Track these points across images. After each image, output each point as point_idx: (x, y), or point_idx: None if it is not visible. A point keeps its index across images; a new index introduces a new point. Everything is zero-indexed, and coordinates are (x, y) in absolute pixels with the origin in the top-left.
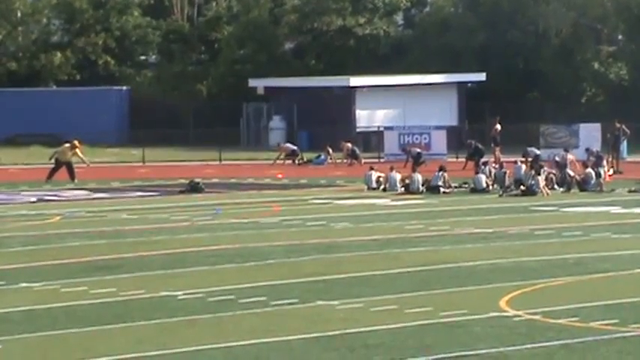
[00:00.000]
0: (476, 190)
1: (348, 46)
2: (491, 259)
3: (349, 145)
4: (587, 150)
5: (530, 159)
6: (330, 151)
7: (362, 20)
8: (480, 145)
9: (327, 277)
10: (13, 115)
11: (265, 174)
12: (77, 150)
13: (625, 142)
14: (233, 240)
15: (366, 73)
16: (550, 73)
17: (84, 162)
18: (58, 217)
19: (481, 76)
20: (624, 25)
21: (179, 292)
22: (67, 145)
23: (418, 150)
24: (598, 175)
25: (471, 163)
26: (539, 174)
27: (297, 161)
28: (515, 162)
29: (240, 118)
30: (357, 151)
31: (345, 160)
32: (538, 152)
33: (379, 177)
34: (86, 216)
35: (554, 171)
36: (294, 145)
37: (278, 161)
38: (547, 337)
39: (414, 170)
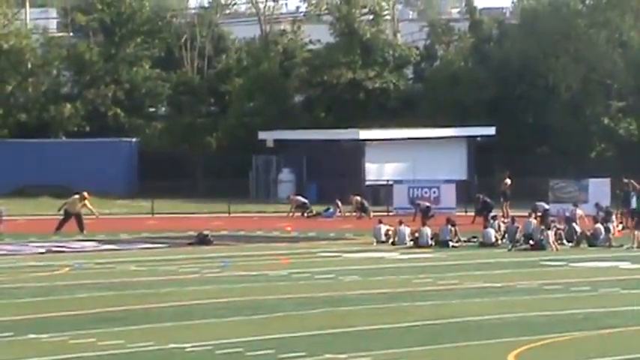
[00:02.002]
0: (485, 244)
1: (357, 99)
2: (500, 313)
3: (358, 198)
4: (596, 205)
5: (539, 214)
6: (339, 204)
7: (372, 74)
8: (488, 199)
9: (336, 331)
10: (22, 165)
11: (274, 226)
12: (86, 201)
13: (635, 198)
14: (241, 292)
15: (375, 127)
16: (559, 127)
17: (93, 213)
18: (66, 269)
19: (490, 130)
20: (634, 81)
21: (187, 345)
22: (77, 196)
23: (427, 204)
24: (607, 230)
25: (479, 218)
26: (549, 229)
27: (306, 214)
28: (529, 215)
29: (249, 170)
30: (366, 204)
31: (354, 213)
32: (547, 207)
33: (388, 230)
34: (95, 267)
35: (562, 226)
36: (304, 197)
37: (289, 214)
38: None
39: (423, 224)
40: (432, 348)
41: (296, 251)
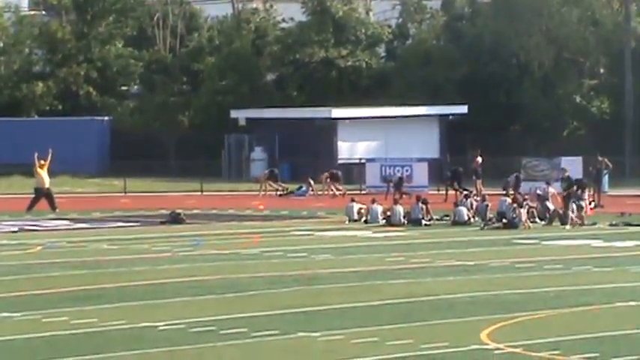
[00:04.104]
0: (457, 222)
1: (330, 78)
2: (473, 291)
3: (327, 173)
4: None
5: (511, 187)
6: (312, 182)
7: (344, 52)
8: (459, 169)
9: (308, 309)
10: None
11: (247, 205)
12: (40, 168)
13: (607, 176)
14: (214, 271)
15: (347, 105)
16: (532, 106)
17: (41, 181)
18: (39, 247)
19: (463, 109)
20: (606, 59)
21: (160, 323)
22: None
23: (399, 175)
24: (579, 208)
25: (452, 196)
26: (521, 207)
27: (278, 192)
28: (506, 194)
29: (221, 149)
30: (338, 173)
31: (326, 192)
32: (517, 174)
33: (361, 209)
34: (67, 246)
35: (534, 204)
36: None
37: (270, 192)
38: None
39: (395, 202)
40: (404, 326)
41: (268, 230)
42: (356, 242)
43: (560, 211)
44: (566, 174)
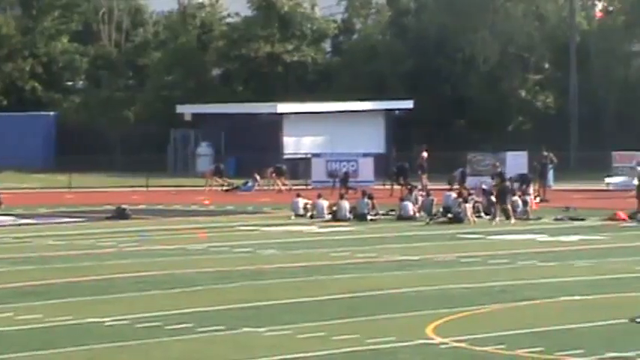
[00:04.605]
0: (402, 217)
1: (275, 73)
2: (418, 286)
3: (272, 168)
4: (510, 179)
5: (457, 182)
6: (258, 177)
7: (290, 47)
8: (405, 164)
9: (255, 304)
10: None
11: (192, 200)
12: None
13: (552, 171)
14: (160, 266)
15: (293, 100)
16: (477, 100)
17: None
18: None
19: (408, 104)
20: (550, 54)
21: (106, 319)
22: None
23: (345, 170)
24: (525, 203)
25: (397, 190)
26: (466, 201)
27: (223, 187)
28: (451, 189)
29: (167, 144)
30: (283, 168)
31: (272, 187)
32: (462, 169)
33: (306, 204)
34: (13, 242)
35: (480, 199)
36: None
37: (216, 187)
38: None
39: (341, 197)
40: (350, 321)
41: (214, 225)
42: (302, 237)
43: (505, 206)
44: (498, 169)
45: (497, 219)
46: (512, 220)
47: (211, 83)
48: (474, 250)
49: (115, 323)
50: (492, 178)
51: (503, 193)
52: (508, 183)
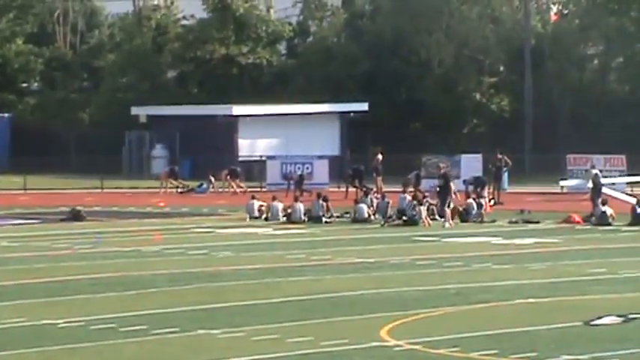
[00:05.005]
0: (357, 219)
1: (230, 75)
2: (373, 288)
3: (227, 171)
4: (464, 182)
5: (412, 185)
6: (213, 179)
7: (245, 49)
8: (359, 167)
9: (209, 306)
10: None
11: (147, 202)
12: None
13: (506, 174)
14: (114, 268)
15: (248, 102)
16: (432, 103)
17: None
18: None
19: (364, 106)
20: (505, 57)
21: (60, 321)
22: None
23: (300, 172)
24: (479, 205)
25: (352, 188)
26: (421, 204)
27: (178, 190)
28: (404, 191)
29: (122, 146)
30: (238, 170)
31: (227, 189)
32: (417, 172)
33: (261, 206)
34: None
35: (434, 201)
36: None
37: (171, 189)
38: None
39: (295, 199)
40: (305, 323)
41: (169, 227)
42: (257, 239)
43: (460, 208)
44: (442, 171)
45: (452, 221)
46: (447, 225)
47: (166, 85)
48: (429, 252)
49: (68, 325)
50: (438, 179)
51: (443, 196)
52: (452, 185)
